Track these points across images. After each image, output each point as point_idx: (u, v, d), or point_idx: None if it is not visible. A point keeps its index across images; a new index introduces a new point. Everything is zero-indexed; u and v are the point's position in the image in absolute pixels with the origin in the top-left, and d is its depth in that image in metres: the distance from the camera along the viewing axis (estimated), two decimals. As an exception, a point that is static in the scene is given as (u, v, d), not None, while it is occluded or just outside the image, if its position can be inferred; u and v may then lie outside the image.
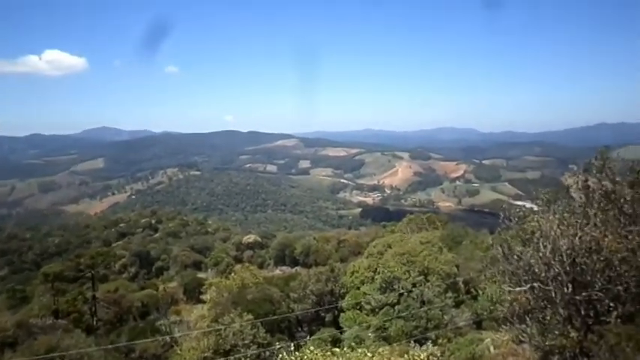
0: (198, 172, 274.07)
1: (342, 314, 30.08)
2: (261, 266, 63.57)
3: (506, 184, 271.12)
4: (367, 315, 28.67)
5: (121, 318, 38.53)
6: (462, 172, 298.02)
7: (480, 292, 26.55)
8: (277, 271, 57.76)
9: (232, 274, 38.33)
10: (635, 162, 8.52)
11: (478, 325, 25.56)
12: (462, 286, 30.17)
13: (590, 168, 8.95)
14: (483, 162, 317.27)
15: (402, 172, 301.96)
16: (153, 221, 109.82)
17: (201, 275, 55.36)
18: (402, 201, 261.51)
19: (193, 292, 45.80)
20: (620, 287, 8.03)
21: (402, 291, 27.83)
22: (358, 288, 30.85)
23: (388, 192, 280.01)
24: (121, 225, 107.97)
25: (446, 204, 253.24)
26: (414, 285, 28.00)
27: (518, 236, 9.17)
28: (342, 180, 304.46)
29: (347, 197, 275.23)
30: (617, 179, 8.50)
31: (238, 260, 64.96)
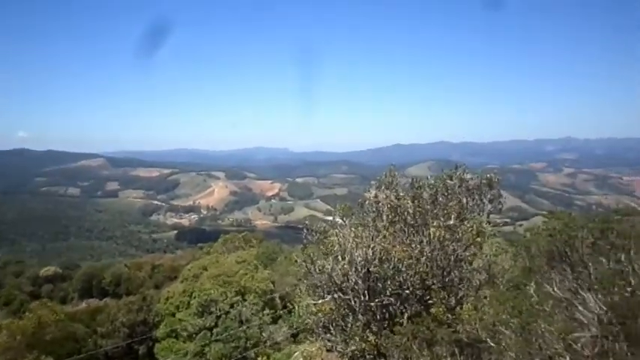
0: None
1: (157, 344, 28.56)
2: (63, 301, 57.21)
3: (318, 200, 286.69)
4: (184, 342, 27.65)
5: None
6: (277, 190, 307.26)
7: (295, 306, 27.46)
8: (83, 305, 52.73)
9: (27, 313, 33.85)
10: (415, 178, 9.71)
11: (295, 337, 26.33)
12: (279, 301, 30.84)
13: (381, 184, 9.94)
14: (296, 180, 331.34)
15: (218, 192, 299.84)
16: None
17: (-13, 318, 47.84)
18: (219, 221, 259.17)
19: (-24, 340, 39.26)
20: (407, 291, 9.02)
21: (219, 313, 27.47)
22: (173, 314, 29.63)
23: (205, 212, 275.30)
24: None
25: (262, 222, 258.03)
26: (231, 306, 27.86)
27: (320, 250, 9.73)
28: (154, 202, 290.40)
29: (161, 220, 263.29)
30: (402, 194, 9.59)
31: (35, 296, 57.61)
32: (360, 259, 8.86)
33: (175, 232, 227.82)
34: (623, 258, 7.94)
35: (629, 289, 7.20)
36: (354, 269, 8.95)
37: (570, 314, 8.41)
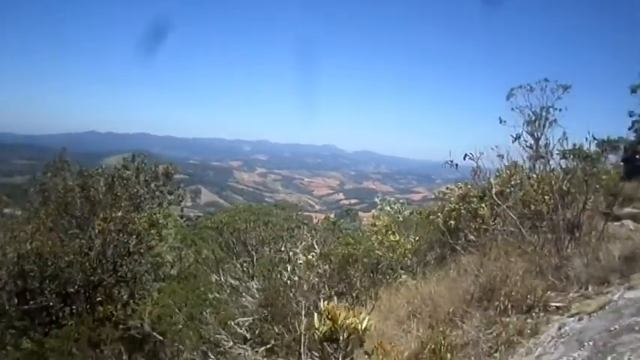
0: None
1: None
2: None
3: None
4: None
5: None
6: None
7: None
8: None
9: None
10: (84, 167, 8.97)
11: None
12: None
13: (48, 171, 8.87)
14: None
15: None
16: None
17: None
18: None
19: None
20: (71, 289, 8.22)
21: None
22: None
23: None
24: None
25: None
26: None
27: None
28: None
29: None
30: (71, 183, 8.73)
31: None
32: (11, 256, 7.66)
33: None
34: (282, 247, 8.97)
35: (280, 275, 8.10)
36: (5, 268, 7.70)
37: (240, 301, 9.06)
